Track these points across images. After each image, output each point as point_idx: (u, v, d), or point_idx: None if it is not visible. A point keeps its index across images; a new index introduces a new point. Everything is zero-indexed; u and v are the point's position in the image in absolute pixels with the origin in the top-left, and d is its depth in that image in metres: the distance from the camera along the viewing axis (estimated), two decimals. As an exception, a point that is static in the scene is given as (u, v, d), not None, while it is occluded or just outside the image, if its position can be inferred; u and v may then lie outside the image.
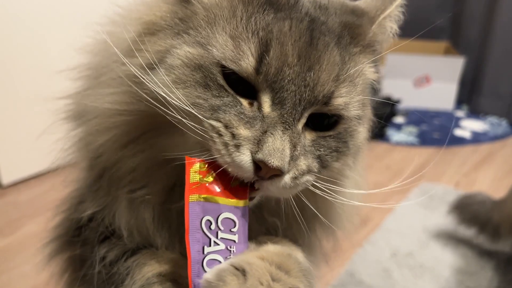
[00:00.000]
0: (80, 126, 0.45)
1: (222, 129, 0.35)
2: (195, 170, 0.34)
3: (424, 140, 2.28)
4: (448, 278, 1.30)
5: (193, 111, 0.35)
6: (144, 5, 0.42)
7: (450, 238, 1.48)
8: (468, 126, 2.44)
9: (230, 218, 0.34)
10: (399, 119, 2.51)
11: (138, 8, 0.42)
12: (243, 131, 0.35)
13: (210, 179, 0.34)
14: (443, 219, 1.58)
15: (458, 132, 2.37)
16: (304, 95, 0.37)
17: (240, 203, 0.35)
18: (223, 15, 0.37)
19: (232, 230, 0.34)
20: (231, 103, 0.36)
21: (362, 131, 0.45)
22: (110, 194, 0.46)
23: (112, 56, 0.40)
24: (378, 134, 2.29)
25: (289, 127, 0.36)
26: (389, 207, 1.54)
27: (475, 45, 2.60)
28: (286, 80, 0.36)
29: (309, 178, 0.39)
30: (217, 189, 0.34)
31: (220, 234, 0.33)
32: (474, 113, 2.61)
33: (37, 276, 1.27)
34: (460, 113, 2.62)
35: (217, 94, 0.36)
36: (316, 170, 0.39)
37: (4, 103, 1.59)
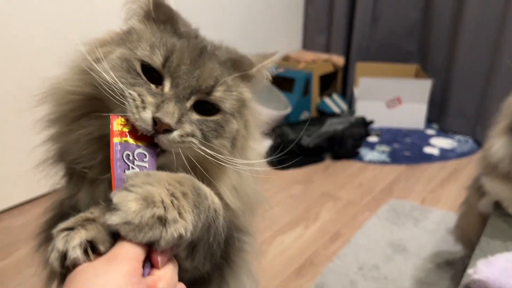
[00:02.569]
0: (47, 101, 0.61)
1: (136, 96, 0.53)
2: (118, 123, 0.50)
3: (396, 158, 2.43)
4: (409, 288, 1.43)
5: (119, 84, 0.53)
6: (104, 32, 0.63)
7: (413, 252, 1.61)
8: (437, 144, 2.60)
9: (142, 153, 0.50)
10: (372, 139, 2.66)
11: (101, 35, 0.63)
12: (149, 99, 0.53)
13: (129, 128, 0.51)
14: (408, 234, 1.72)
15: (428, 150, 2.52)
16: (191, 83, 0.54)
17: (151, 145, 0.52)
18: (146, 35, 0.58)
19: (144, 160, 0.50)
20: (142, 84, 0.55)
21: (235, 124, 0.60)
22: (71, 177, 0.62)
23: (81, 56, 0.60)
24: (352, 153, 2.44)
25: (179, 101, 0.53)
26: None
27: (441, 69, 2.78)
28: (181, 72, 0.54)
29: (193, 140, 0.54)
30: (134, 134, 0.51)
31: (136, 162, 0.49)
32: (443, 132, 2.77)
33: (32, 297, 1.38)
34: (430, 131, 2.78)
35: (134, 77, 0.55)
36: (199, 137, 0.55)
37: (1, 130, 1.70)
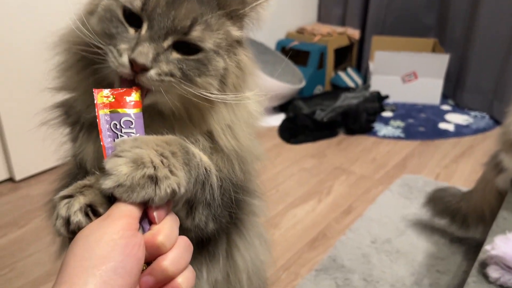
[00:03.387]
0: (57, 52, 0.64)
1: (112, 48, 0.55)
2: (101, 95, 0.52)
3: (410, 133, 2.41)
4: (421, 263, 1.44)
5: (101, 44, 0.56)
6: None
7: (425, 227, 1.62)
8: (453, 120, 2.57)
9: (128, 120, 0.52)
10: (387, 114, 2.64)
11: None
12: (123, 45, 0.55)
13: (113, 99, 0.52)
14: (421, 209, 1.72)
15: (443, 126, 2.50)
16: (166, 24, 0.55)
17: (135, 110, 0.53)
18: None
19: (130, 126, 0.52)
20: (122, 31, 0.56)
21: (220, 61, 0.60)
22: (77, 135, 0.64)
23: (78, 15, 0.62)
24: (366, 128, 2.42)
25: (154, 42, 0.54)
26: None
27: (459, 43, 2.72)
28: (157, 14, 0.55)
29: (172, 79, 0.56)
30: (118, 104, 0.53)
31: (123, 130, 0.51)
32: (459, 108, 2.74)
33: (50, 263, 1.41)
34: (446, 107, 2.75)
35: (116, 26, 0.56)
36: (178, 76, 0.56)
37: (13, 100, 1.72)
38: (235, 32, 0.62)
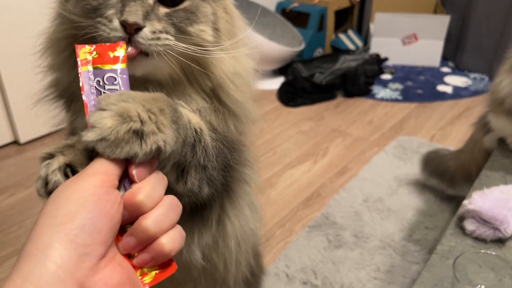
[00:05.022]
0: (46, 54, 0.64)
1: (100, 19, 0.54)
2: (83, 51, 0.50)
3: (408, 96, 2.43)
4: (410, 220, 1.50)
5: (86, 22, 0.55)
6: None
7: (417, 186, 1.67)
8: (451, 82, 2.58)
9: (112, 76, 0.49)
10: (386, 76, 2.65)
11: None
12: (110, 11, 0.54)
13: (96, 55, 0.50)
14: (414, 169, 1.77)
15: (441, 88, 2.51)
16: None
17: (121, 66, 0.50)
18: None
19: (114, 83, 0.49)
20: (103, 1, 0.55)
21: (207, 6, 0.60)
22: (69, 108, 0.65)
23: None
24: (365, 90, 2.44)
25: (139, 0, 0.54)
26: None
27: (461, 4, 2.69)
28: None
29: (168, 37, 0.55)
30: (101, 60, 0.50)
31: (107, 87, 0.49)
32: (459, 70, 2.74)
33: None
34: (445, 69, 2.74)
35: None
36: (173, 32, 0.56)
37: (15, 62, 1.75)
38: None
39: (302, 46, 2.63)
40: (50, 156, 0.49)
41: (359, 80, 2.43)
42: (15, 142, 1.92)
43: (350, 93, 2.43)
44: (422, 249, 1.37)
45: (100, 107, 0.45)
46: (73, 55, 0.58)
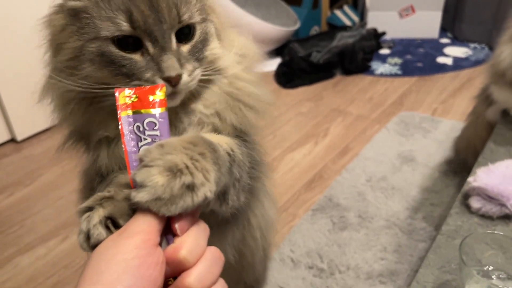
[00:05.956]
0: (50, 100, 0.62)
1: (141, 83, 0.54)
2: (123, 95, 0.48)
3: (407, 70, 2.38)
4: (415, 197, 1.48)
5: (111, 85, 0.55)
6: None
7: (420, 162, 1.65)
8: (451, 53, 2.53)
9: (152, 122, 0.48)
10: (384, 51, 2.60)
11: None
12: (148, 74, 0.55)
13: (135, 99, 0.49)
14: (417, 145, 1.74)
15: (441, 60, 2.46)
16: (164, 27, 0.54)
17: (160, 110, 0.49)
18: (95, 10, 0.54)
19: (154, 128, 0.48)
20: (132, 64, 0.55)
21: (209, 25, 0.61)
22: (88, 146, 0.64)
23: None
24: (363, 67, 2.40)
25: (168, 50, 0.55)
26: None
27: (458, -29, 2.62)
28: (151, 26, 0.54)
29: (198, 71, 0.58)
30: (141, 104, 0.49)
31: (147, 132, 0.48)
32: (458, 40, 2.68)
33: (57, 218, 1.48)
34: (445, 40, 2.69)
35: (122, 64, 0.55)
36: (198, 65, 0.58)
37: (7, 60, 1.72)
38: None
39: (298, 25, 2.58)
40: (89, 209, 0.48)
41: (357, 57, 2.38)
42: (12, 140, 1.90)
43: (348, 71, 2.39)
44: (428, 226, 1.36)
45: (145, 164, 0.44)
46: (80, 104, 0.59)
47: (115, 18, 0.53)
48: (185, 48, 0.57)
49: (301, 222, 1.41)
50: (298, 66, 2.36)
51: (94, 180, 0.64)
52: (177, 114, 0.61)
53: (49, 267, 1.30)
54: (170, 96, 0.54)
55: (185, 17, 0.56)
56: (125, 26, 0.53)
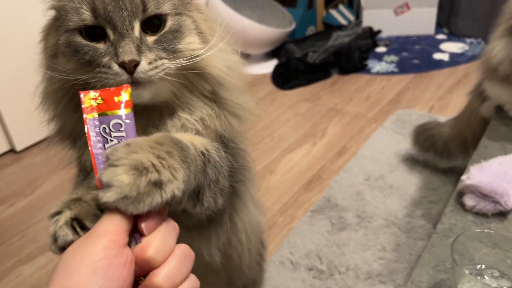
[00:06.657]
0: (46, 107, 0.65)
1: (100, 69, 0.56)
2: (88, 98, 0.49)
3: (404, 67, 2.39)
4: (413, 195, 1.49)
5: (83, 75, 0.57)
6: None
7: (418, 160, 1.65)
8: (448, 49, 2.53)
9: (118, 123, 0.48)
10: (380, 49, 2.60)
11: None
12: (106, 58, 0.56)
13: (101, 101, 0.49)
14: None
15: (437, 56, 2.46)
16: (124, 14, 0.55)
17: (126, 111, 0.49)
18: (68, 5, 0.57)
19: (120, 129, 0.48)
20: (94, 51, 0.56)
21: (186, 19, 0.61)
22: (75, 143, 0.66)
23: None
24: (360, 66, 2.40)
25: (126, 37, 0.55)
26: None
27: (452, -33, 2.62)
28: (111, 13, 0.55)
29: (163, 61, 0.57)
30: (106, 106, 0.49)
31: (113, 134, 0.48)
32: (454, 36, 2.68)
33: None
34: (441, 36, 2.69)
35: (86, 51, 0.57)
36: (165, 55, 0.57)
37: (5, 72, 1.73)
38: None
39: (293, 26, 2.59)
40: (58, 213, 0.48)
41: (353, 56, 2.39)
42: (12, 151, 1.91)
43: (345, 70, 2.39)
44: (426, 223, 1.36)
45: (111, 163, 0.44)
46: (72, 101, 0.61)
47: (80, 9, 0.56)
48: (151, 38, 0.58)
49: (300, 224, 1.41)
50: (294, 66, 2.36)
51: (78, 177, 0.67)
52: (161, 117, 0.61)
53: (50, 276, 1.30)
54: (132, 87, 0.52)
55: (150, 5, 0.57)
56: (87, 15, 0.55)
